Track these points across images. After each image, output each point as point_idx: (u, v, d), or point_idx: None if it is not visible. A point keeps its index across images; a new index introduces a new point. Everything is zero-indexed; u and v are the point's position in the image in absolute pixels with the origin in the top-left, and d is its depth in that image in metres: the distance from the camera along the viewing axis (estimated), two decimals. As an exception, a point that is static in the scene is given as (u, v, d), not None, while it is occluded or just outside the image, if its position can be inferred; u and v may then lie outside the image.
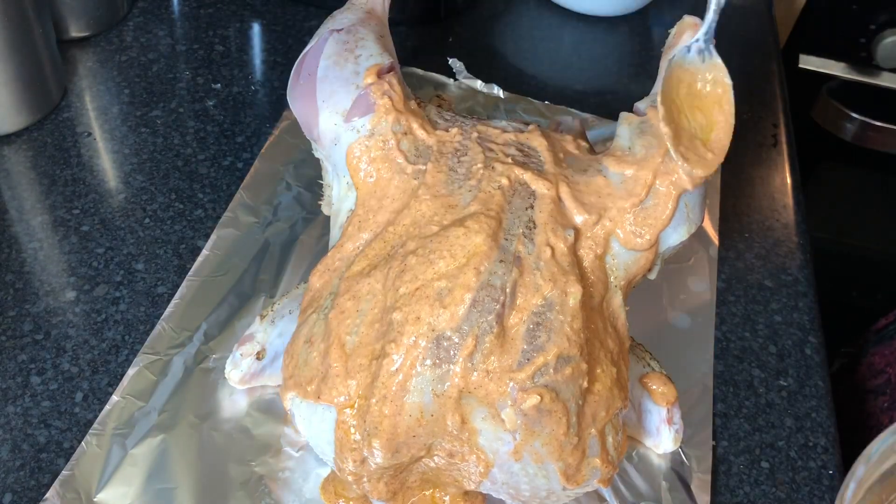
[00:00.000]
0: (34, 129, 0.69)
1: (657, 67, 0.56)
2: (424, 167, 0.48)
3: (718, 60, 0.49)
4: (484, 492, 0.47)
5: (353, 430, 0.44)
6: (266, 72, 0.78)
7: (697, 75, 0.49)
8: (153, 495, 0.48)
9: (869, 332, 0.79)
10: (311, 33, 0.81)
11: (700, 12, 0.50)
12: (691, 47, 0.49)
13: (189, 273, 0.59)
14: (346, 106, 0.49)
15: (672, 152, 0.46)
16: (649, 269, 0.49)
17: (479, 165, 0.47)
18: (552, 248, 0.44)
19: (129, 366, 0.54)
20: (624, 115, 0.51)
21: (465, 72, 0.79)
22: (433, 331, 0.42)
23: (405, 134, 0.49)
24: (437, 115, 0.52)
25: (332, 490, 0.49)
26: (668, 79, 0.48)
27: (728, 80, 0.49)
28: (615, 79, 0.84)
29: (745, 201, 0.73)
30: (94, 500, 0.48)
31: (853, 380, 0.76)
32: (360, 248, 0.47)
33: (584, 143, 0.52)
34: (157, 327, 0.56)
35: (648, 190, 0.47)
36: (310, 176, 0.67)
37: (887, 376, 0.72)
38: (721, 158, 0.48)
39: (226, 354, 0.54)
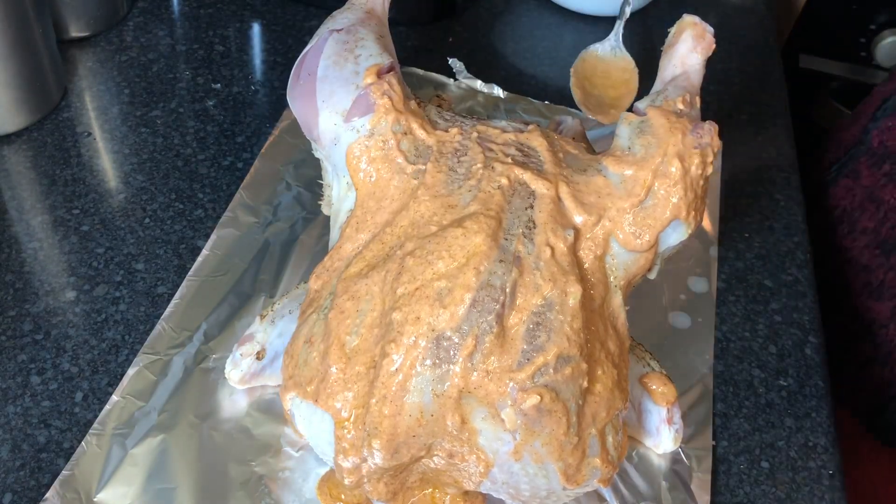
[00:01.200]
0: (34, 129, 0.69)
1: (657, 67, 0.56)
2: (424, 167, 0.48)
3: (626, 54, 0.68)
4: (484, 492, 0.47)
5: (352, 430, 0.44)
6: (266, 72, 0.78)
7: (611, 64, 0.68)
8: (153, 495, 0.48)
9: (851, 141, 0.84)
10: (311, 33, 0.81)
11: (700, 12, 0.50)
12: (606, 44, 0.69)
13: (189, 273, 0.59)
14: (346, 106, 0.49)
15: (579, 105, 0.65)
16: (649, 269, 0.49)
17: (479, 165, 0.47)
18: (552, 248, 0.44)
19: (129, 366, 0.54)
20: (624, 114, 0.51)
21: (465, 72, 0.79)
22: (433, 331, 0.42)
23: (405, 134, 0.49)
24: (437, 115, 0.52)
25: (327, 491, 0.49)
26: (581, 61, 0.68)
27: (633, 66, 0.68)
28: (615, 79, 0.84)
29: (745, 201, 0.73)
30: (94, 500, 0.48)
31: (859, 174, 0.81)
32: (359, 249, 0.47)
33: (583, 143, 0.52)
34: (157, 327, 0.56)
35: (648, 190, 0.47)
36: (310, 176, 0.67)
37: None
38: (619, 111, 0.59)
39: (226, 354, 0.54)
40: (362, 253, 0.46)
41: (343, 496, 0.49)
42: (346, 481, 0.45)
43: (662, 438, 0.53)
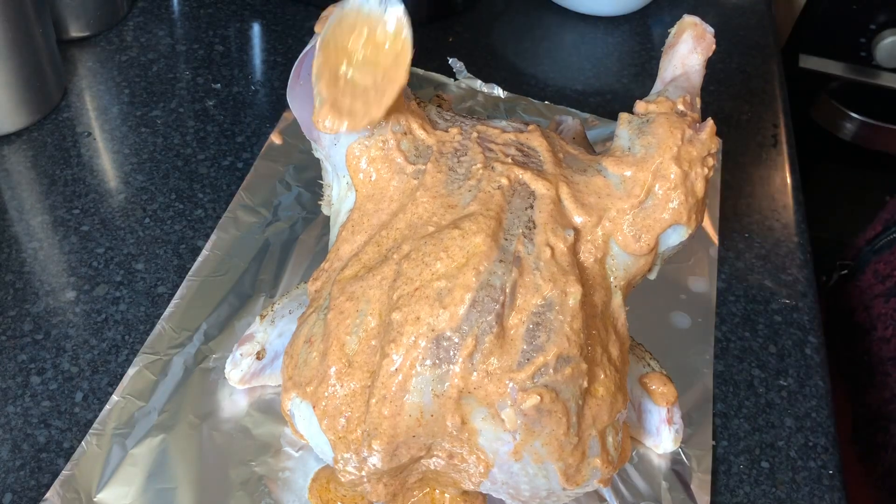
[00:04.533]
0: (34, 129, 0.69)
1: (657, 67, 0.56)
2: (424, 167, 0.48)
3: (400, 8, 0.44)
4: (484, 492, 0.47)
5: (350, 442, 0.44)
6: (266, 72, 0.78)
7: (377, 24, 0.45)
8: (153, 495, 0.48)
9: (862, 246, 0.82)
10: (311, 33, 0.81)
11: (700, 12, 0.50)
12: None
13: (189, 273, 0.59)
14: (346, 106, 0.49)
15: (316, 102, 0.44)
16: (649, 270, 0.49)
17: (479, 165, 0.47)
18: (552, 249, 0.44)
19: (129, 366, 0.54)
20: (623, 115, 0.51)
21: (465, 72, 0.79)
22: (433, 331, 0.42)
23: (405, 134, 0.49)
24: (437, 116, 0.52)
25: (318, 495, 0.49)
26: (337, 22, 0.45)
27: (407, 35, 0.45)
28: (615, 79, 0.84)
29: (745, 201, 0.73)
30: (94, 500, 0.48)
31: (858, 287, 0.78)
32: (356, 251, 0.47)
33: (583, 144, 0.52)
34: (157, 327, 0.56)
35: (648, 192, 0.47)
36: (310, 176, 0.67)
37: (894, 280, 0.74)
38: (373, 118, 0.45)
39: (226, 354, 0.54)
40: (358, 255, 0.46)
41: (338, 501, 0.49)
42: (347, 477, 0.45)
43: (662, 438, 0.53)
